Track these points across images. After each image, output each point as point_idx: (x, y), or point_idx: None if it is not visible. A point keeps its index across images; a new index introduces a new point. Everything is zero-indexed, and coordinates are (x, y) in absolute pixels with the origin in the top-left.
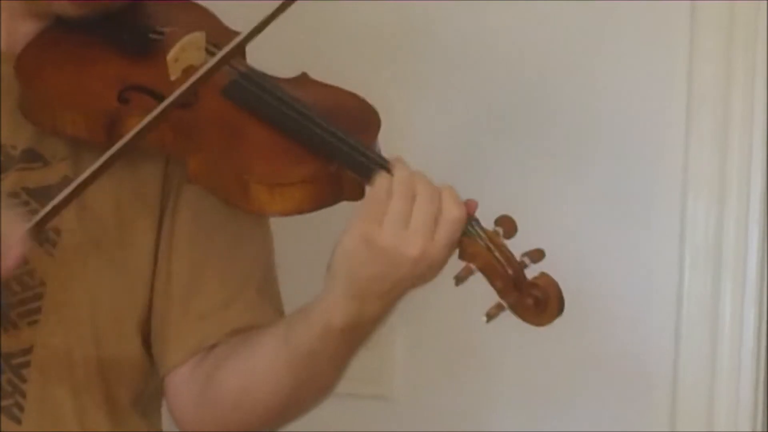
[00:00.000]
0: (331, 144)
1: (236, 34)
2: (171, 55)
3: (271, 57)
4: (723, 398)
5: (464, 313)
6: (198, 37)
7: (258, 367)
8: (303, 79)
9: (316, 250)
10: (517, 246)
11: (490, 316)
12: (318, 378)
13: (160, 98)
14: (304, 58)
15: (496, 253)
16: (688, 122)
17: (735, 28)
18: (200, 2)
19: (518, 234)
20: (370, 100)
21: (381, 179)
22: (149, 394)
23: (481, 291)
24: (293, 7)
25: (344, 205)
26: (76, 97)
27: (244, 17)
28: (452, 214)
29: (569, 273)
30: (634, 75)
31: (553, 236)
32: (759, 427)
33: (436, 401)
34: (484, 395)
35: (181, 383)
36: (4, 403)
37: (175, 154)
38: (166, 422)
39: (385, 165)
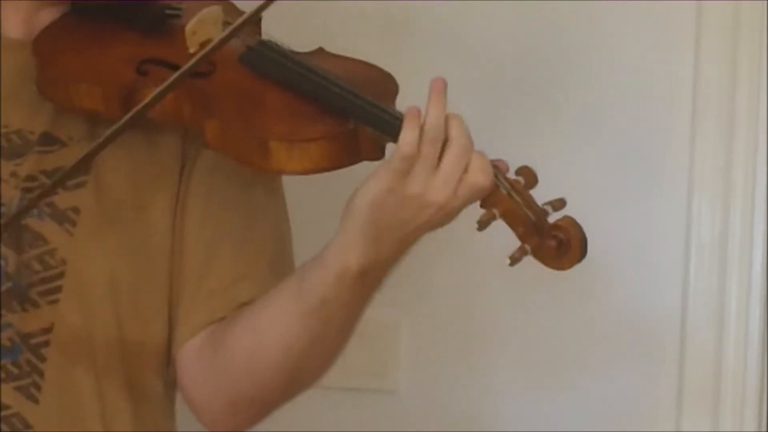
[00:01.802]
0: (349, 101)
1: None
2: (189, 28)
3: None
4: (729, 395)
5: (469, 308)
6: (215, 10)
7: (269, 326)
8: (319, 51)
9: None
10: None
11: (514, 259)
12: (330, 330)
13: (178, 69)
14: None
15: (518, 199)
16: (694, 121)
17: (740, 28)
18: None
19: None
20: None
21: (409, 132)
22: (171, 379)
23: (485, 289)
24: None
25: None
26: (94, 71)
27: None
28: (477, 181)
29: (574, 273)
30: (639, 74)
31: None
32: (765, 425)
33: (441, 395)
34: (488, 389)
35: (192, 357)
36: (22, 382)
37: (193, 125)
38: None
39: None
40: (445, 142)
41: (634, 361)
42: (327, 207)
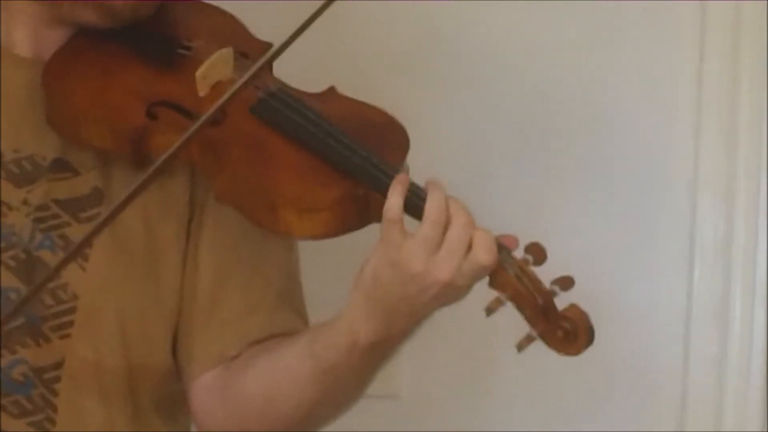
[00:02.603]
0: (359, 166)
1: (262, 43)
2: (200, 72)
3: (294, 61)
4: (732, 397)
5: (472, 313)
6: (226, 53)
7: (282, 378)
8: (331, 94)
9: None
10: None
11: (521, 347)
12: (342, 391)
13: (188, 115)
14: (324, 66)
15: (526, 282)
16: (698, 122)
17: (743, 28)
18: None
19: (527, 230)
20: (387, 107)
21: (393, 197)
22: (174, 397)
23: (488, 293)
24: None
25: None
26: (104, 111)
27: (268, 19)
28: (480, 260)
29: (578, 272)
30: (643, 75)
31: (562, 235)
32: (767, 425)
33: (443, 400)
34: (491, 394)
35: (205, 391)
36: (35, 418)
37: (202, 171)
38: None
39: (415, 190)
40: (447, 223)
41: (637, 364)
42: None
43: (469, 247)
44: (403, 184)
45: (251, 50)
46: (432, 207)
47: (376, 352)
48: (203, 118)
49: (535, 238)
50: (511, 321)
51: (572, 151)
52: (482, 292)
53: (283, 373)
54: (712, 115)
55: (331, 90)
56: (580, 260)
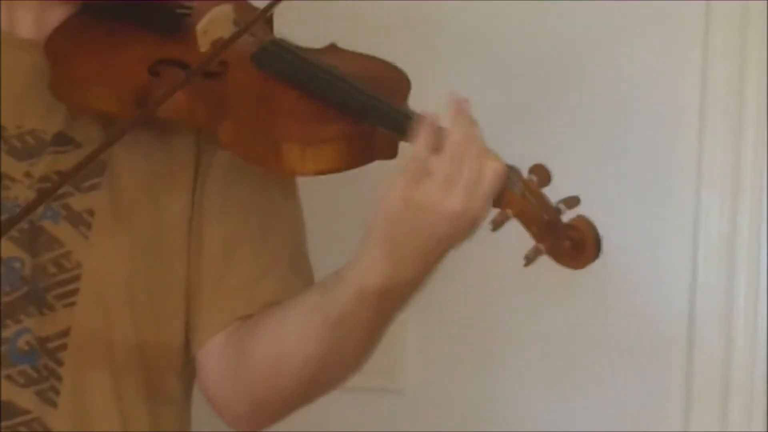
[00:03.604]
0: (361, 101)
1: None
2: (200, 27)
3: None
4: (737, 393)
5: (477, 306)
6: (226, 9)
7: (290, 336)
8: (332, 48)
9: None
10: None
11: (529, 259)
12: (350, 347)
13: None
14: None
15: (532, 199)
16: (702, 118)
17: (748, 25)
18: None
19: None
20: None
21: (423, 136)
22: (189, 379)
23: (494, 287)
24: (319, 5)
25: (375, 178)
26: (107, 72)
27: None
28: (494, 168)
29: (581, 271)
30: (648, 72)
31: None
32: None
33: (449, 394)
34: (496, 388)
35: (213, 358)
36: (40, 387)
37: (207, 127)
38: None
39: (417, 119)
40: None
41: (642, 359)
42: (340, 205)
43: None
44: (431, 122)
45: (252, 13)
46: (453, 143)
47: (386, 303)
48: (201, 61)
49: None
50: (518, 317)
51: (577, 147)
52: (487, 288)
53: (291, 329)
54: (717, 113)
55: (332, 45)
56: None
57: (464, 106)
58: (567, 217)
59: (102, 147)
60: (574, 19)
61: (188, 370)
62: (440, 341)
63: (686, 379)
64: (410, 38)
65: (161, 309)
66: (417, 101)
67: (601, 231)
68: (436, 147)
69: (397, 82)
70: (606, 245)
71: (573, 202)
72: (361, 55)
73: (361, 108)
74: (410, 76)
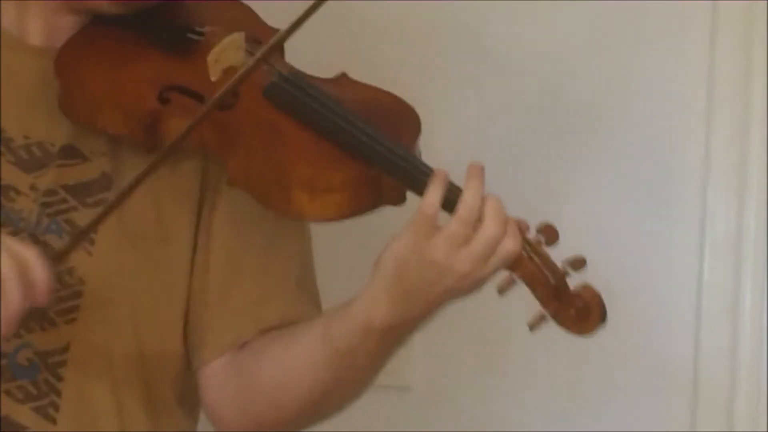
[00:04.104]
0: (371, 148)
1: (273, 30)
2: (211, 57)
3: (306, 53)
4: (744, 390)
5: (484, 304)
6: (237, 38)
7: (295, 362)
8: (342, 79)
9: (353, 246)
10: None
11: (533, 326)
12: (355, 375)
13: (200, 99)
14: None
15: (539, 263)
16: (709, 116)
17: (755, 23)
18: None
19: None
20: (403, 96)
21: (432, 193)
22: (189, 389)
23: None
24: (329, 4)
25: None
26: (116, 97)
27: (281, 8)
28: (509, 248)
29: (589, 267)
30: (654, 72)
31: (574, 228)
32: None
33: (455, 391)
34: (503, 385)
35: (216, 377)
36: (40, 403)
37: (215, 156)
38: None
39: (428, 172)
40: (478, 222)
41: (648, 354)
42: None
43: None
44: (443, 180)
45: (263, 36)
46: (465, 206)
47: (391, 337)
48: (212, 100)
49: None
50: (524, 312)
51: (584, 147)
52: (490, 282)
53: (297, 356)
54: (724, 111)
55: (343, 75)
56: (591, 255)
57: (480, 172)
58: (573, 280)
59: (124, 194)
60: (582, 18)
61: (188, 382)
62: (446, 338)
63: (692, 377)
64: (422, 47)
65: (162, 322)
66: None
67: (608, 229)
68: (448, 205)
69: (409, 120)
70: (613, 243)
71: (579, 263)
72: (372, 88)
73: (373, 155)
74: (419, 85)
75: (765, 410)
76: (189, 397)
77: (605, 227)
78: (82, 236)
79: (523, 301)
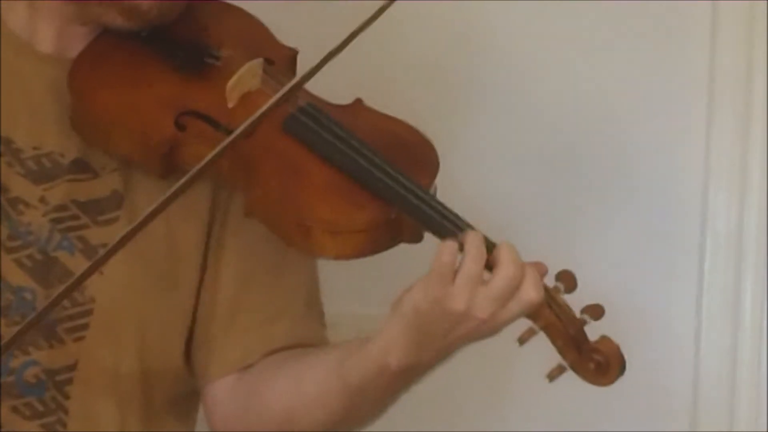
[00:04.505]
0: (394, 191)
1: (287, 49)
2: (230, 85)
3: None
4: (744, 390)
5: None
6: (255, 65)
7: (307, 394)
8: (358, 107)
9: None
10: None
11: (552, 377)
12: (366, 410)
13: (217, 125)
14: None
15: (558, 312)
16: (710, 115)
17: (755, 21)
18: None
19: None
20: (421, 128)
21: (450, 241)
22: (184, 395)
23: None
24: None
25: None
26: (132, 122)
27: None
28: (530, 296)
29: (588, 265)
30: (656, 70)
31: (573, 229)
32: None
33: (452, 393)
34: (505, 390)
35: (223, 395)
36: (47, 420)
37: (231, 185)
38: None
39: (449, 217)
40: (495, 261)
41: (648, 353)
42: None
43: (518, 287)
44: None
45: (277, 57)
46: (471, 244)
47: (406, 377)
48: (231, 136)
49: (545, 229)
50: (523, 319)
51: (582, 146)
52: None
53: (309, 388)
54: (724, 111)
55: (358, 102)
56: (591, 252)
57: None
58: (591, 329)
59: (141, 224)
60: (581, 20)
61: (182, 389)
62: None
63: (693, 373)
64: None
65: (166, 340)
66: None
67: (609, 228)
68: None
69: (428, 157)
70: (613, 242)
71: (598, 311)
72: (389, 118)
73: (396, 199)
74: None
75: (765, 410)
76: (185, 406)
77: (604, 226)
78: (97, 265)
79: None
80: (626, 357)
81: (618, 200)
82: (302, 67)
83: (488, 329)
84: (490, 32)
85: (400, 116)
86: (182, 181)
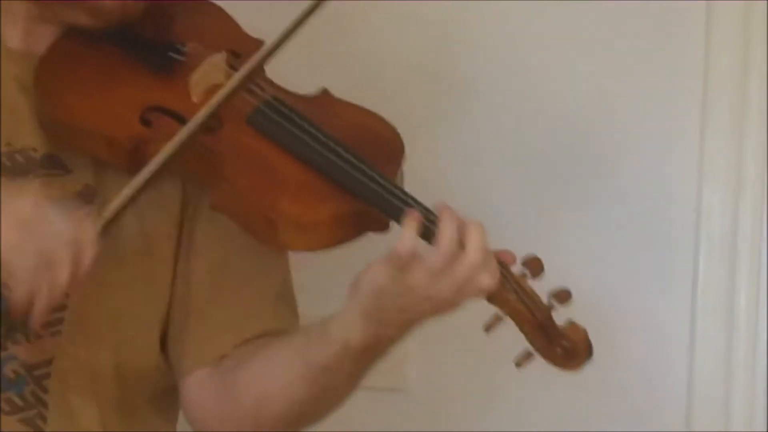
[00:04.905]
0: (359, 182)
1: (254, 40)
2: (193, 79)
3: (286, 65)
4: (738, 391)
5: (478, 305)
6: (218, 58)
7: (273, 380)
8: (324, 98)
9: (328, 258)
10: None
11: (519, 364)
12: (332, 392)
13: (182, 120)
14: (317, 68)
15: (525, 299)
16: (704, 115)
17: (750, 23)
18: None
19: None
20: (414, 128)
21: (407, 234)
22: (164, 390)
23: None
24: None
25: None
26: (98, 120)
27: (259, 14)
28: (484, 283)
29: (583, 266)
30: (650, 71)
31: (567, 229)
32: None
33: (451, 393)
34: (499, 387)
35: (197, 388)
36: (27, 414)
37: (198, 181)
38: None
39: (412, 201)
40: (457, 253)
41: (642, 354)
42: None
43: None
44: (417, 220)
45: (243, 49)
46: (443, 240)
47: (368, 356)
48: (197, 118)
49: (539, 229)
50: None
51: (577, 145)
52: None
53: (275, 374)
54: (719, 110)
55: (325, 93)
56: (585, 254)
57: (448, 207)
58: (559, 314)
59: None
60: (575, 19)
61: (161, 384)
62: (442, 340)
63: (687, 375)
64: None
65: (142, 335)
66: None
67: (607, 227)
68: (428, 235)
69: (393, 145)
70: (607, 243)
71: (564, 296)
72: (356, 108)
73: (361, 190)
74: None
75: (761, 410)
76: (161, 399)
77: (599, 227)
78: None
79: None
80: (621, 359)
81: (612, 201)
82: (281, 64)
83: (447, 308)
84: (484, 32)
85: (398, 117)
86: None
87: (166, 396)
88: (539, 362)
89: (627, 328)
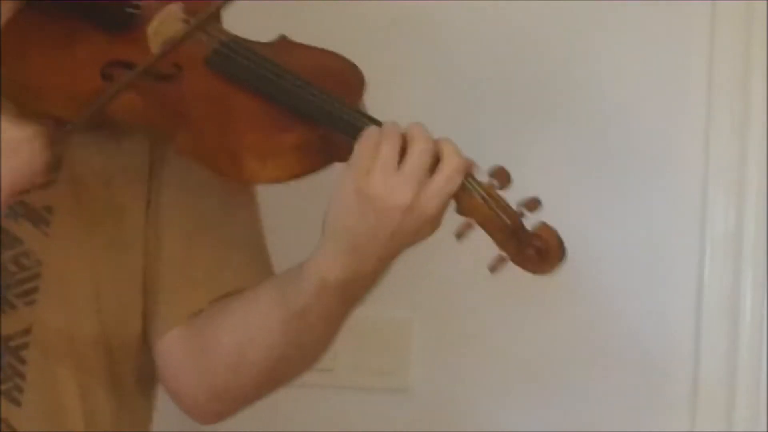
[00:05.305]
0: (317, 107)
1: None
2: (151, 29)
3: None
4: (743, 390)
5: (480, 306)
6: (174, 8)
7: (252, 328)
8: (283, 42)
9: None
10: None
11: (494, 269)
12: (311, 338)
13: (144, 72)
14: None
15: (493, 205)
16: (708, 115)
17: (754, 23)
18: None
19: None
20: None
21: (369, 130)
22: (147, 370)
23: (497, 286)
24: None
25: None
26: (59, 79)
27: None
28: (453, 163)
29: (587, 265)
30: (654, 70)
31: (572, 227)
32: None
33: (453, 394)
34: (500, 387)
35: (173, 348)
36: (4, 386)
37: (162, 131)
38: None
39: (374, 121)
40: (407, 143)
41: (646, 355)
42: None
43: (433, 171)
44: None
45: (199, 7)
46: (389, 127)
47: (346, 294)
48: (159, 53)
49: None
50: (523, 314)
51: (583, 145)
52: (490, 287)
53: (254, 322)
54: (723, 111)
55: (283, 38)
56: (590, 252)
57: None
58: (529, 221)
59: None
60: (580, 17)
61: (146, 361)
62: (443, 340)
63: (692, 375)
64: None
65: (123, 302)
66: (392, 109)
67: (608, 227)
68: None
69: (352, 78)
70: (612, 242)
71: (534, 204)
72: (314, 49)
73: (319, 114)
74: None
75: (765, 410)
76: (146, 379)
77: (604, 228)
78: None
79: (523, 302)
80: (625, 358)
81: (616, 201)
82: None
83: (418, 220)
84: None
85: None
86: (97, 101)
87: (151, 376)
88: (540, 363)
89: (632, 327)
